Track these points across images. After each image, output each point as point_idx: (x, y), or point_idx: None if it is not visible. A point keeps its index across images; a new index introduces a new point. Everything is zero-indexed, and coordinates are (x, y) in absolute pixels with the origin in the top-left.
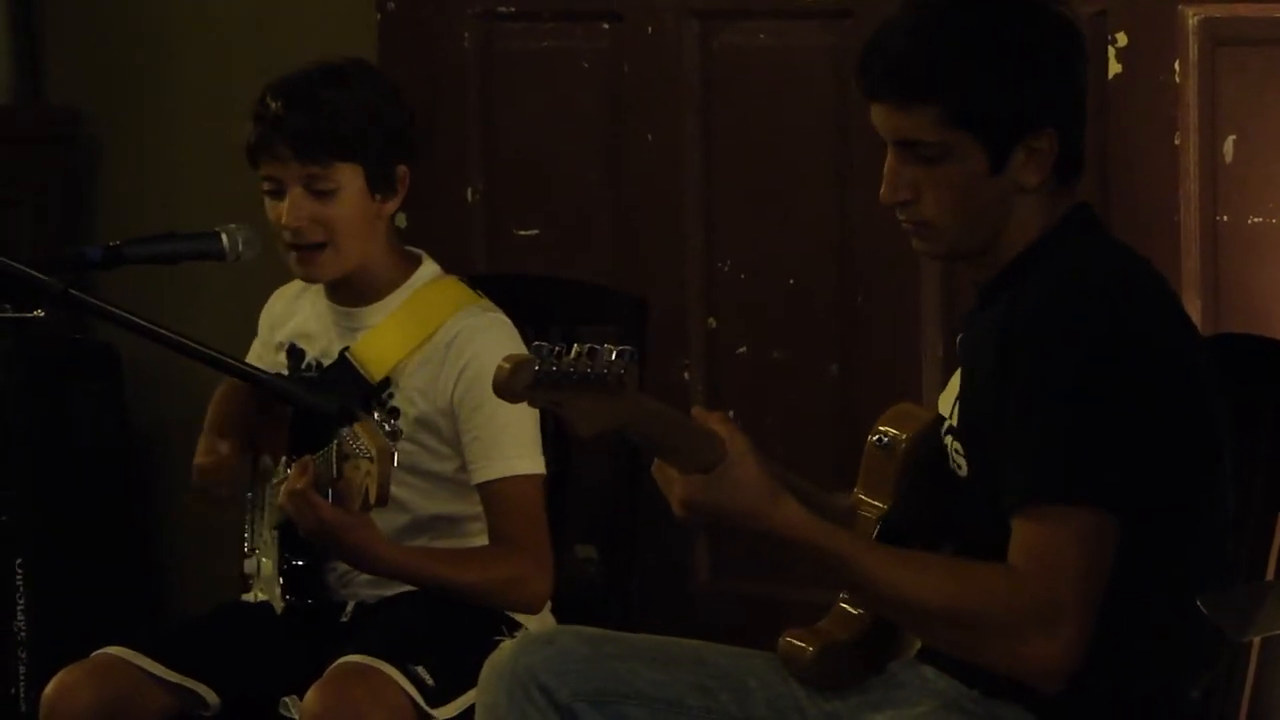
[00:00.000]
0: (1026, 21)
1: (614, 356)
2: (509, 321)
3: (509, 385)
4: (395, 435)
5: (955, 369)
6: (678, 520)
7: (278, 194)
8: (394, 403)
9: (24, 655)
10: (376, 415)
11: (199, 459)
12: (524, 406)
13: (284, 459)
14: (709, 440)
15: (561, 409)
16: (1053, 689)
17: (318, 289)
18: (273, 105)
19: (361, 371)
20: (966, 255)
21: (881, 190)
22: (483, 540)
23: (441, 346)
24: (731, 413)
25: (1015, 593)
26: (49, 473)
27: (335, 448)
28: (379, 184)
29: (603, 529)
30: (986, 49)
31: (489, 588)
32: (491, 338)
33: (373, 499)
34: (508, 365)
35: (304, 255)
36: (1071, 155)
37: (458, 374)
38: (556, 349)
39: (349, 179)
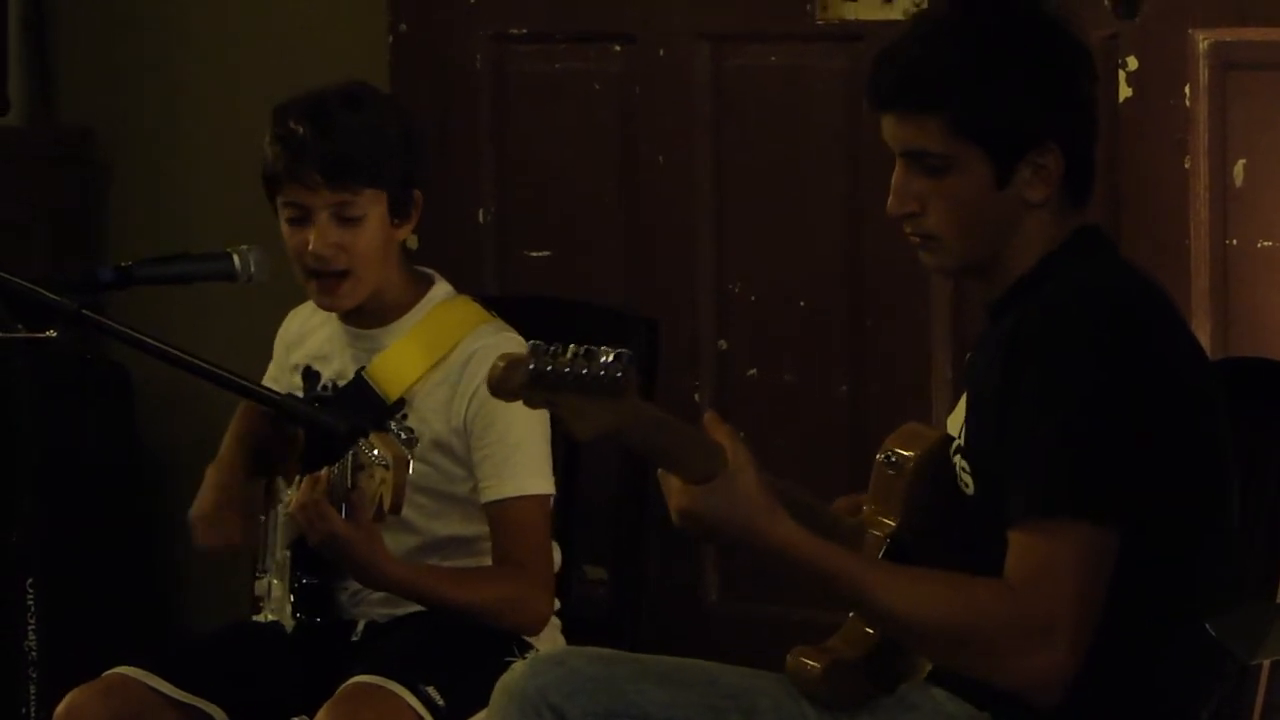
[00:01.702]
0: (1037, 38)
1: (611, 358)
2: (523, 340)
3: (503, 383)
4: (412, 444)
5: (964, 390)
6: (675, 527)
7: (300, 221)
8: (408, 423)
9: (34, 675)
10: (394, 425)
11: (201, 506)
12: (536, 425)
13: (297, 479)
14: (711, 451)
15: (557, 409)
16: (1049, 702)
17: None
18: (299, 130)
19: (378, 391)
20: (972, 270)
21: (888, 201)
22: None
23: (457, 367)
24: (741, 435)
25: (1010, 606)
26: (60, 492)
27: (350, 458)
28: (398, 209)
29: (612, 550)
30: (996, 62)
31: (489, 607)
32: None
33: (387, 506)
34: (503, 363)
35: (325, 284)
36: (1079, 174)
37: (471, 393)
38: (553, 348)
39: (374, 205)
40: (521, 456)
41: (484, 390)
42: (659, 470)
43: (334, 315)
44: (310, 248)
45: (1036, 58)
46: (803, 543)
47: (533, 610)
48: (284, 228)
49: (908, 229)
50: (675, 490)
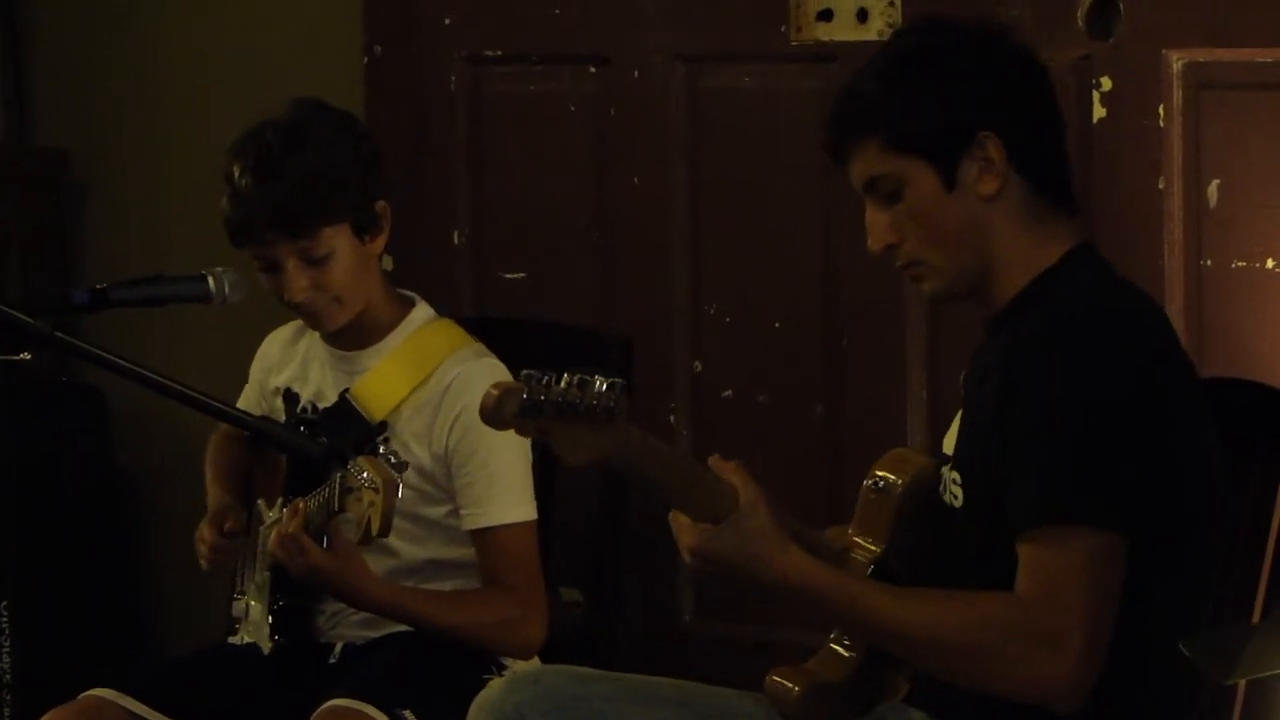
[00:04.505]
0: (940, 39)
1: (605, 387)
2: (503, 366)
3: (497, 412)
4: (401, 468)
5: (941, 411)
6: (686, 568)
7: (270, 269)
8: (390, 446)
9: (9, 697)
10: (383, 449)
11: (204, 535)
12: (517, 452)
13: (279, 501)
14: (721, 490)
15: (549, 438)
16: (1069, 709)
17: (314, 332)
18: (243, 183)
19: (362, 413)
20: (966, 287)
21: (868, 243)
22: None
23: (438, 392)
24: (715, 455)
25: (1021, 617)
26: (35, 514)
27: (339, 480)
28: (364, 229)
29: (587, 571)
30: (903, 72)
31: (481, 630)
32: (487, 385)
33: (375, 530)
34: (496, 392)
35: (313, 318)
36: (1033, 160)
37: (453, 420)
38: (546, 378)
39: (337, 238)
40: (503, 484)
41: (466, 417)
42: (671, 513)
43: (316, 337)
44: (286, 296)
45: (944, 54)
46: (816, 572)
47: (525, 633)
48: (257, 273)
49: (896, 265)
50: (686, 529)
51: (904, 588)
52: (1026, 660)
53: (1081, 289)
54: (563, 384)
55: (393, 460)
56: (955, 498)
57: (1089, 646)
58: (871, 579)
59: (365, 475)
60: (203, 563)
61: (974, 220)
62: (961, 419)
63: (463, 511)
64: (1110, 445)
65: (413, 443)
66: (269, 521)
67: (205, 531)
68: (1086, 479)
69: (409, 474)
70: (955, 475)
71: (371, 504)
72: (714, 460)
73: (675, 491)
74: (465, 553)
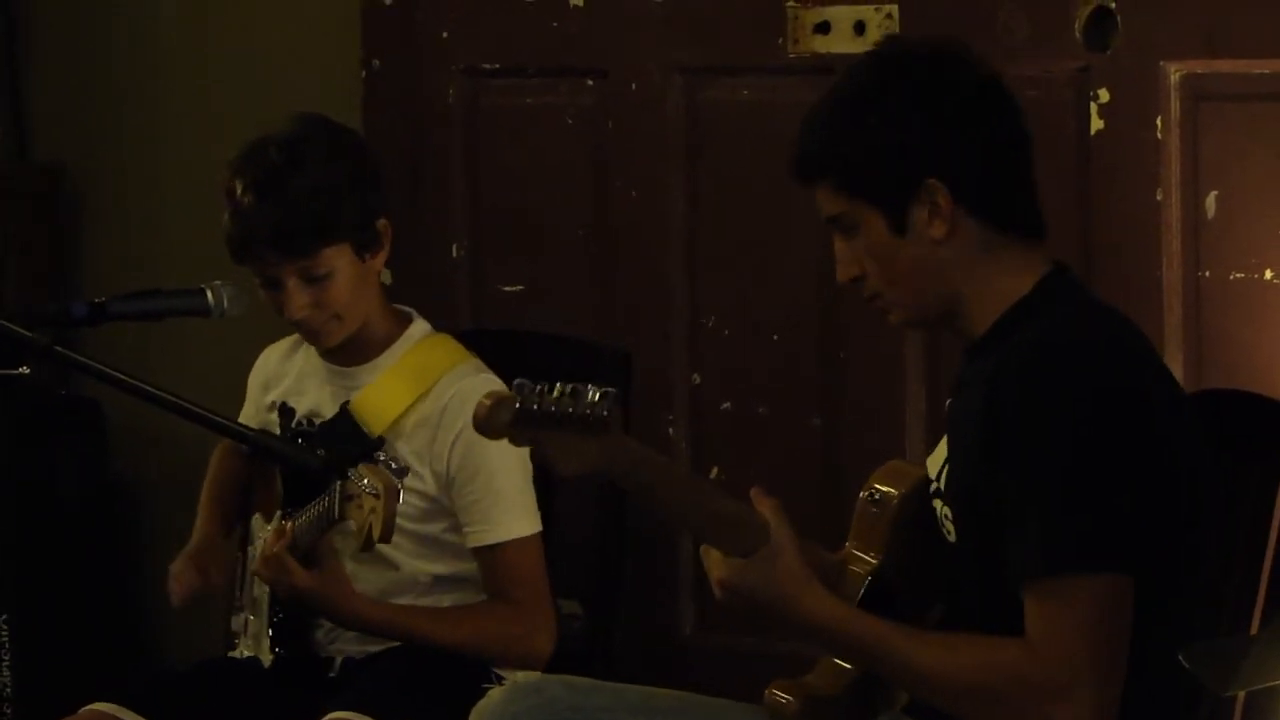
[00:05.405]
0: (891, 77)
1: (597, 396)
2: (500, 382)
3: (490, 421)
4: (402, 474)
5: (939, 423)
6: (718, 600)
7: (271, 286)
8: (390, 453)
9: (9, 711)
10: (383, 455)
11: (188, 554)
12: (519, 465)
13: (277, 515)
14: (739, 517)
15: (542, 447)
16: None
17: (310, 347)
18: (245, 201)
19: (362, 427)
20: (933, 321)
21: (837, 273)
22: (469, 601)
23: (436, 409)
24: (715, 469)
25: (1033, 668)
26: (33, 527)
27: (339, 488)
28: (365, 247)
29: (587, 583)
30: (853, 116)
31: (485, 644)
32: None
33: (376, 535)
34: (489, 401)
35: (312, 333)
36: (984, 198)
37: (453, 439)
38: (539, 387)
39: (338, 258)
40: (508, 500)
41: (467, 435)
42: (702, 547)
43: (312, 352)
44: (286, 314)
45: (894, 101)
46: (839, 613)
47: (532, 645)
48: (257, 289)
49: (864, 294)
50: (716, 563)
51: (926, 633)
52: (1041, 711)
53: (1059, 319)
54: (555, 393)
55: (393, 466)
56: (950, 532)
57: (1102, 693)
58: (897, 624)
59: (365, 482)
60: (174, 599)
61: (926, 261)
62: (948, 454)
63: (467, 529)
64: (1102, 482)
65: (413, 462)
66: (265, 537)
67: (187, 574)
68: (1085, 526)
69: (410, 494)
70: (947, 511)
71: (373, 510)
72: (754, 492)
73: (687, 514)
74: (467, 567)
